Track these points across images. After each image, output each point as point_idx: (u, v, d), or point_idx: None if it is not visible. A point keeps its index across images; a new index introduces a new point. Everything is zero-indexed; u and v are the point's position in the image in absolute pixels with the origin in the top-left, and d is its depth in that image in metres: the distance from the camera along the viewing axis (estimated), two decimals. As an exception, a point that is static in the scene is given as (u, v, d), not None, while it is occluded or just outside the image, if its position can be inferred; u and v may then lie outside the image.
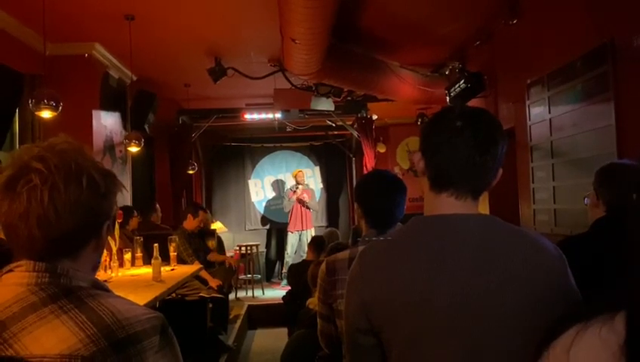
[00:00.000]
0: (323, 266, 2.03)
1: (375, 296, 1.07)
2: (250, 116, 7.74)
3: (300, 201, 8.64)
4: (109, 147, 5.48)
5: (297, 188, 8.75)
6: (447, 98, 5.59)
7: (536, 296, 1.00)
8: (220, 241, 7.31)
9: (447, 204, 1.09)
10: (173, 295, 4.46)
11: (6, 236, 0.91)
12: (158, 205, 6.52)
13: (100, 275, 3.43)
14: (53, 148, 0.91)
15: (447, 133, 1.07)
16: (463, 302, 1.00)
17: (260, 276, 8.69)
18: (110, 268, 3.96)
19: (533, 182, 4.23)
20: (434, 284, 1.02)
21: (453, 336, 1.00)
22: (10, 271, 0.90)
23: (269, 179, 10.20)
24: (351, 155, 9.90)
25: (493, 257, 1.02)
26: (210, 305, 5.03)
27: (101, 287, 0.95)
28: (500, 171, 1.11)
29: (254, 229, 9.98)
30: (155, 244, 4.05)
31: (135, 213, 5.35)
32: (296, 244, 8.59)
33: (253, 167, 10.19)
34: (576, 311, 0.94)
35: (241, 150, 10.07)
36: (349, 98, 6.95)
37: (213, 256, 6.33)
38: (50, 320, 0.84)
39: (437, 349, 1.01)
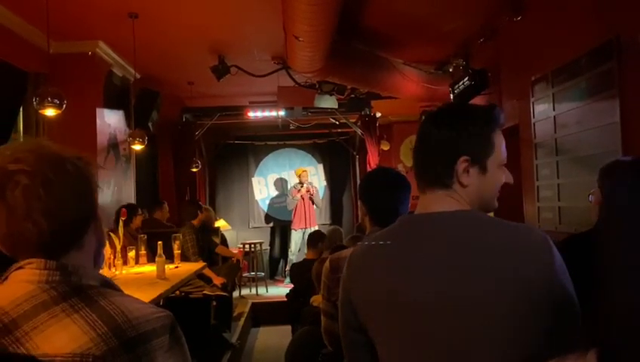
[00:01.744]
0: (327, 264, 2.04)
1: (359, 295, 1.10)
2: (254, 114, 7.75)
3: (308, 192, 8.61)
4: (113, 145, 5.49)
5: (301, 187, 8.76)
6: (451, 95, 5.58)
7: (519, 293, 0.96)
8: (223, 239, 7.33)
9: (426, 201, 1.11)
10: (177, 293, 4.47)
11: (8, 243, 0.90)
12: (165, 203, 6.52)
13: (104, 273, 3.44)
14: (19, 148, 0.90)
15: (420, 131, 1.13)
16: (442, 300, 0.98)
17: (263, 274, 8.70)
18: (114, 266, 3.97)
19: (537, 180, 4.22)
20: (415, 283, 1.01)
21: (432, 334, 0.99)
22: (20, 267, 0.89)
23: (272, 177, 10.20)
24: (354, 153, 9.89)
25: (474, 254, 1.00)
26: (214, 303, 5.04)
27: (111, 286, 0.95)
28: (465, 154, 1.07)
29: (258, 227, 9.99)
30: (159, 242, 4.06)
31: (139, 211, 5.36)
32: (300, 242, 8.59)
33: (257, 164, 10.20)
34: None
35: (245, 148, 10.08)
36: (352, 95, 6.94)
37: (221, 250, 6.34)
38: (61, 318, 0.84)
39: (421, 348, 1.00)
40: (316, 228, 8.69)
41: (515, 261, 0.98)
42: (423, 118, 1.14)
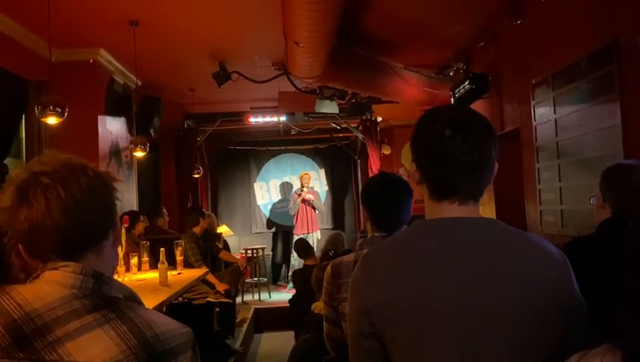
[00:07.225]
0: (328, 269, 2.03)
1: (376, 298, 1.06)
2: (255, 119, 7.76)
3: (304, 201, 8.64)
4: (115, 152, 5.50)
5: (302, 190, 8.77)
6: (452, 99, 5.58)
7: (539, 300, 0.99)
8: (225, 245, 7.33)
9: (450, 210, 1.08)
10: (180, 299, 4.47)
11: (28, 241, 0.92)
12: (164, 209, 6.53)
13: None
14: (48, 156, 0.95)
15: (439, 143, 1.07)
16: (465, 306, 0.99)
17: (266, 279, 8.69)
18: (117, 272, 3.97)
19: (539, 183, 4.21)
20: (436, 288, 1.01)
21: (454, 340, 0.99)
22: (55, 268, 0.90)
23: (274, 182, 10.20)
24: (356, 158, 9.89)
25: (496, 261, 1.02)
26: (217, 309, 5.04)
27: (135, 300, 0.97)
28: (496, 166, 1.10)
29: (260, 232, 9.99)
30: (162, 249, 4.06)
31: (141, 218, 5.36)
32: (303, 247, 8.58)
33: (259, 170, 10.20)
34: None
35: (247, 153, 10.09)
36: (353, 100, 6.96)
37: (224, 255, 6.34)
38: (92, 327, 0.85)
39: (438, 353, 1.00)
40: (318, 232, 8.70)
41: (540, 270, 1.02)
42: (440, 128, 1.07)
